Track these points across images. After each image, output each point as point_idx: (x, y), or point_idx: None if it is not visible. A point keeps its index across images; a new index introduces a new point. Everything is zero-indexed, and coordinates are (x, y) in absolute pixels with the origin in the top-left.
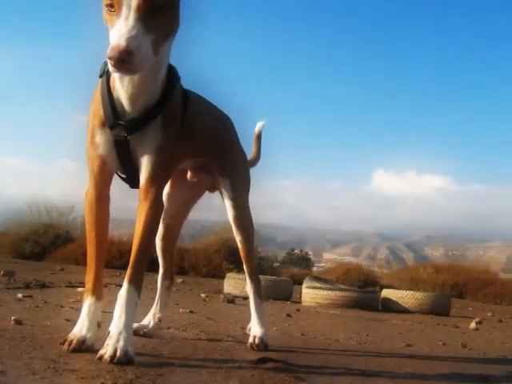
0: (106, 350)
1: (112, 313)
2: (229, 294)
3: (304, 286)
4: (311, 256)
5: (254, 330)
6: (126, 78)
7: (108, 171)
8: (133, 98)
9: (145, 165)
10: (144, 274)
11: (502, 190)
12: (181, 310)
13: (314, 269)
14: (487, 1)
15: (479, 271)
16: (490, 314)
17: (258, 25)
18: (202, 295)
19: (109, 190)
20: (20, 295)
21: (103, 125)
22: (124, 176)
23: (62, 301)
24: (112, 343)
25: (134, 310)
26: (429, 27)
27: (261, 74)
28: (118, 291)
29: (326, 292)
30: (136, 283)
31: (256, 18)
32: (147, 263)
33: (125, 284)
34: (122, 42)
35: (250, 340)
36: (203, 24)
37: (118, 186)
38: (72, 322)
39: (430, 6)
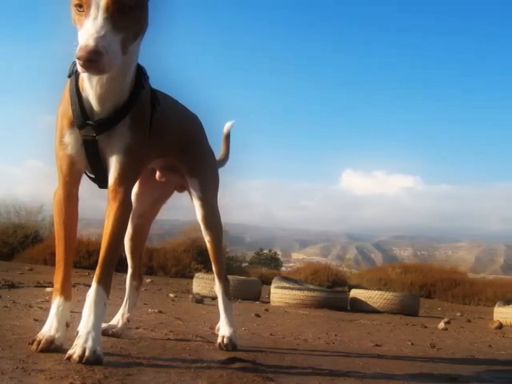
0: (75, 350)
1: (81, 313)
2: (197, 294)
3: (273, 286)
4: (280, 256)
5: (223, 330)
6: (95, 78)
7: (77, 171)
8: (101, 98)
9: (113, 165)
10: (113, 274)
11: (470, 191)
12: (149, 310)
13: (283, 269)
14: None
15: (448, 271)
16: (458, 314)
17: (227, 24)
18: (171, 295)
19: (77, 189)
20: None
21: (72, 125)
22: (93, 176)
23: (31, 301)
24: (81, 343)
25: (103, 310)
26: (402, 23)
27: (229, 74)
28: (87, 291)
29: (294, 292)
30: (105, 283)
31: (221, 15)
32: (116, 263)
33: (93, 284)
34: (91, 42)
35: (219, 340)
36: (172, 24)
37: (86, 185)
38: (41, 322)
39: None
